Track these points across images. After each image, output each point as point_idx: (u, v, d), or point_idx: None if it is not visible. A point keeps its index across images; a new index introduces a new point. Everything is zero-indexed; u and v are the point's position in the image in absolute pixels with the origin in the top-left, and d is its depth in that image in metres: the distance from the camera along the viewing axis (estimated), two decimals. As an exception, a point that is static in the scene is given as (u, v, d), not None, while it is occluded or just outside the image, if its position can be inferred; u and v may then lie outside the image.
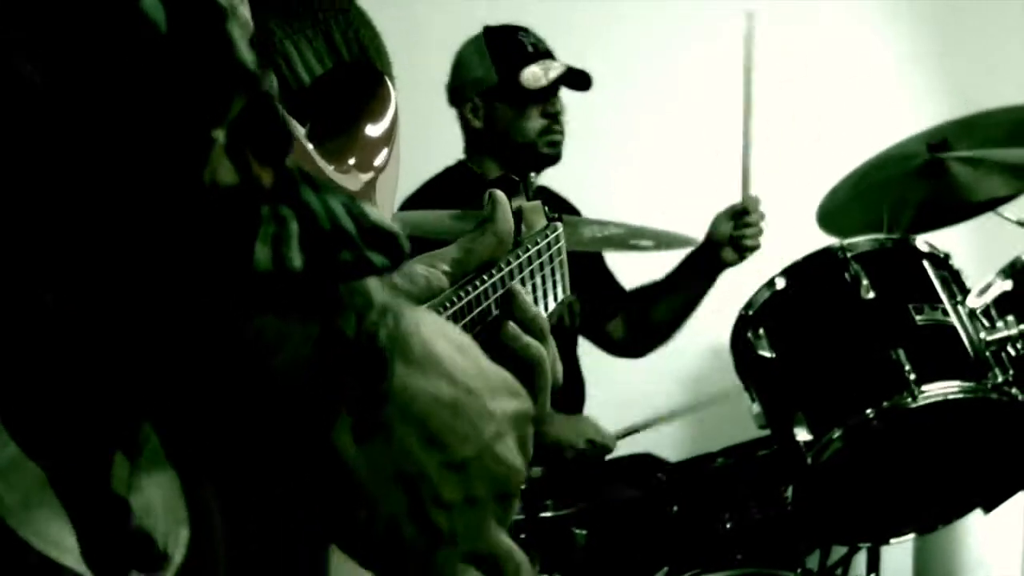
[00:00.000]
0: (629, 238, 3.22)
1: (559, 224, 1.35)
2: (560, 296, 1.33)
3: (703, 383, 4.12)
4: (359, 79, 1.11)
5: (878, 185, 3.46)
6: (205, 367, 0.71)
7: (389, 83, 1.13)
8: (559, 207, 3.64)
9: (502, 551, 0.86)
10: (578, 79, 3.60)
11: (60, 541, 0.69)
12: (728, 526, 3.22)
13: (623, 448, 3.58)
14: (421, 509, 0.80)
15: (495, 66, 3.58)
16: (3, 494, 0.68)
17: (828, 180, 3.55)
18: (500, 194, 1.13)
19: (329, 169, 1.02)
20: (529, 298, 1.08)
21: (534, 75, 3.54)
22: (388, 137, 1.12)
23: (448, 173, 3.69)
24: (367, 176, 1.09)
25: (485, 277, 1.11)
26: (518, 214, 1.29)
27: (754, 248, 3.54)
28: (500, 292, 1.12)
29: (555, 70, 3.56)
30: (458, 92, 3.69)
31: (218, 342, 0.70)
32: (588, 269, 3.79)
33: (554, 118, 3.61)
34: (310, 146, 1.00)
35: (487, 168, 3.65)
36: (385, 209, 1.12)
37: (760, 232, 3.55)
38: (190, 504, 0.76)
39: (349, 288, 0.76)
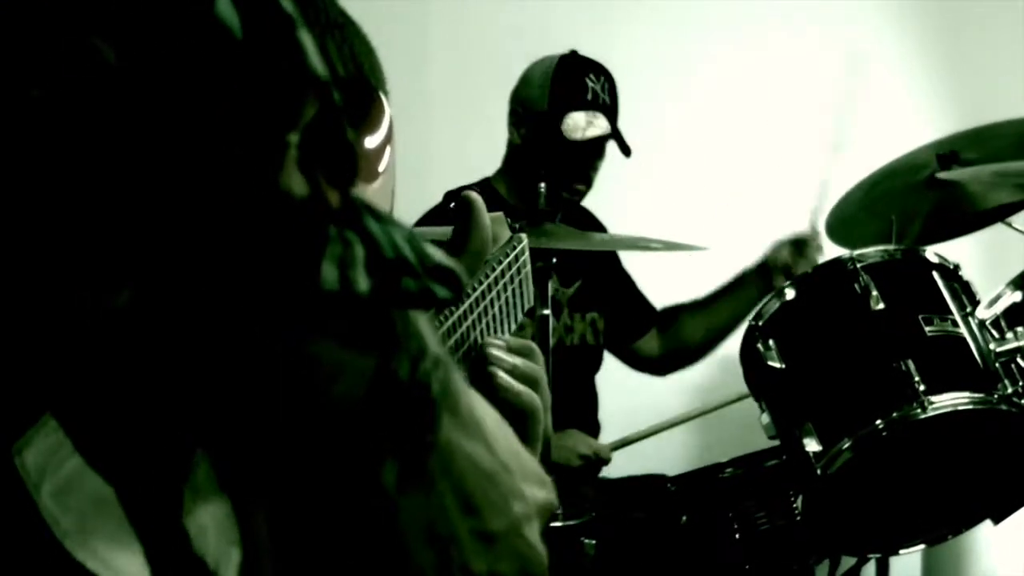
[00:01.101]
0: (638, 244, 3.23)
1: (523, 236, 1.35)
2: (526, 307, 1.33)
3: (713, 393, 4.12)
4: (355, 95, 1.12)
5: (887, 196, 3.46)
6: (266, 388, 0.71)
7: (383, 98, 1.13)
8: (588, 226, 3.64)
9: None
10: (617, 142, 3.54)
11: (116, 566, 0.70)
12: (737, 536, 3.22)
13: (634, 468, 3.58)
14: (449, 573, 0.79)
15: (550, 96, 3.52)
16: (59, 516, 0.68)
17: (838, 191, 3.55)
18: (476, 200, 1.12)
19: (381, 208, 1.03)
20: (506, 355, 1.07)
21: (574, 125, 3.47)
22: (384, 147, 1.12)
23: (469, 189, 3.64)
24: (373, 185, 1.10)
25: (483, 277, 1.12)
26: None
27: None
28: (473, 316, 1.12)
29: (595, 129, 3.48)
30: (513, 101, 3.66)
31: (280, 363, 0.71)
32: (616, 287, 3.79)
33: (584, 170, 3.55)
34: None
35: (511, 189, 3.63)
36: (386, 208, 1.13)
37: (816, 264, 3.49)
38: (241, 528, 0.76)
39: (406, 331, 0.76)
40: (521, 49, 3.66)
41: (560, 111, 3.49)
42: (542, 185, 3.08)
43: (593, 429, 3.68)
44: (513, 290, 1.26)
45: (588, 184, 3.56)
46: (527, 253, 1.34)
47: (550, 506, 0.89)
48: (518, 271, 1.29)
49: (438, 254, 0.75)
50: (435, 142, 4.18)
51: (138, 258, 0.66)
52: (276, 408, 0.71)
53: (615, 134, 3.51)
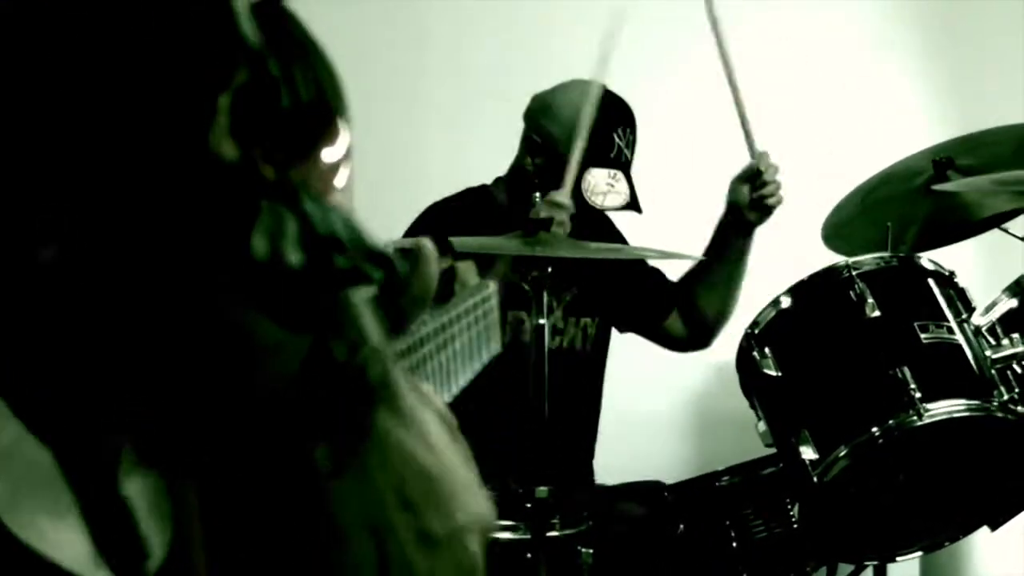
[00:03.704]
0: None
1: (491, 283, 1.36)
2: (494, 350, 1.34)
3: (709, 400, 4.12)
4: (312, 116, 1.13)
5: (883, 202, 3.46)
6: (194, 355, 0.71)
7: (342, 122, 1.14)
8: (596, 224, 3.60)
9: None
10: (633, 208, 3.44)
11: (51, 537, 0.70)
12: (734, 544, 3.22)
13: (630, 475, 3.57)
14: (387, 570, 0.80)
15: None
16: None
17: (833, 197, 3.55)
18: (429, 250, 1.11)
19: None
20: (429, 390, 1.07)
21: (595, 187, 3.34)
22: (342, 164, 1.13)
23: (467, 195, 3.60)
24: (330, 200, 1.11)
25: (424, 324, 1.12)
26: (451, 272, 1.30)
27: (777, 204, 3.42)
28: (424, 351, 1.13)
29: (614, 198, 3.38)
30: (530, 127, 3.53)
31: (210, 330, 0.71)
32: (633, 271, 3.71)
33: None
34: None
35: (511, 202, 3.57)
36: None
37: (779, 186, 3.42)
38: (172, 503, 0.76)
39: (346, 318, 0.77)
40: (521, 54, 3.65)
41: (583, 165, 3.30)
42: (537, 195, 3.07)
43: (587, 436, 3.66)
44: (476, 333, 1.27)
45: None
46: (494, 300, 1.35)
47: (489, 524, 0.89)
48: (483, 315, 1.30)
49: (374, 239, 0.76)
50: (431, 149, 4.18)
51: (65, 212, 0.66)
52: (205, 378, 0.72)
53: (632, 203, 3.42)
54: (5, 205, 0.67)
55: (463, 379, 1.26)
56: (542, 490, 2.95)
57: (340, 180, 1.12)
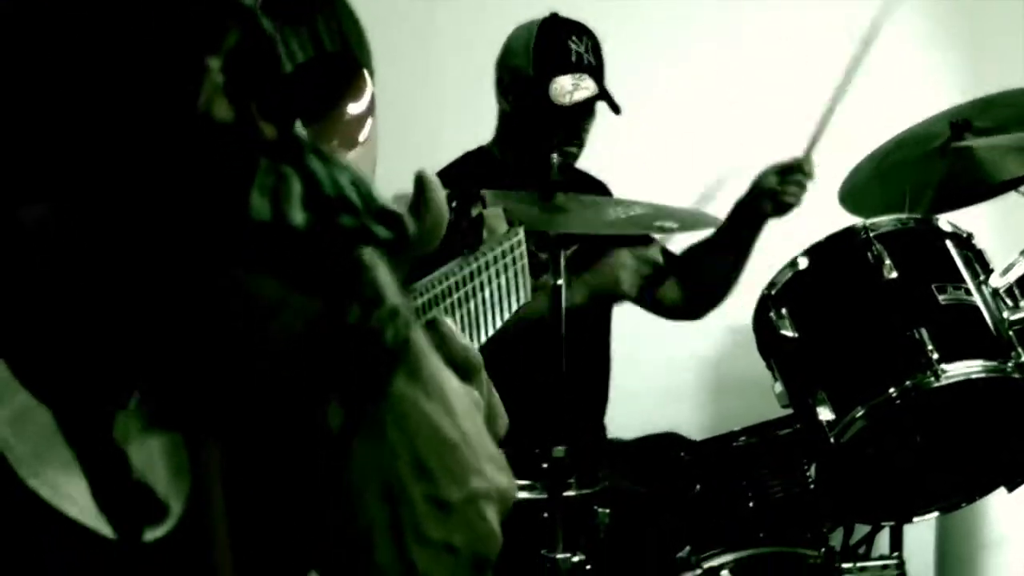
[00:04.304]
0: (654, 219, 3.22)
1: (520, 230, 1.35)
2: (521, 300, 1.34)
3: (725, 363, 4.13)
4: (339, 68, 1.12)
5: (901, 165, 3.46)
6: (201, 315, 0.71)
7: (367, 73, 1.14)
8: (586, 186, 3.64)
9: None
10: (607, 102, 3.53)
11: (67, 492, 0.70)
12: (751, 505, 3.23)
13: (648, 427, 3.59)
14: (400, 534, 0.79)
15: (534, 62, 3.51)
16: (14, 444, 0.69)
17: (850, 160, 3.55)
18: (431, 177, 1.12)
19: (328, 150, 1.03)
20: (456, 330, 1.05)
21: (561, 89, 3.47)
22: (365, 117, 1.13)
23: (467, 158, 3.66)
24: (352, 153, 1.09)
25: (436, 282, 1.12)
26: (479, 220, 1.30)
27: (792, 205, 3.51)
28: (452, 300, 1.12)
29: (582, 92, 3.48)
30: (499, 69, 3.65)
31: (212, 292, 0.71)
32: (630, 237, 3.75)
33: (575, 132, 3.54)
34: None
35: (506, 155, 3.63)
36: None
37: (803, 192, 3.51)
38: (191, 461, 0.76)
39: (360, 278, 0.77)
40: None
41: (546, 76, 3.49)
42: (555, 156, 3.08)
43: (599, 396, 3.67)
44: (505, 281, 1.27)
45: (580, 146, 3.56)
46: (523, 246, 1.34)
47: (510, 495, 0.87)
48: (513, 261, 1.30)
49: (384, 198, 0.76)
50: (446, 119, 4.18)
51: (52, 172, 0.66)
52: (207, 336, 0.72)
53: (603, 94, 3.51)
54: None
55: (492, 327, 1.25)
56: (559, 450, 2.96)
57: (364, 133, 1.12)
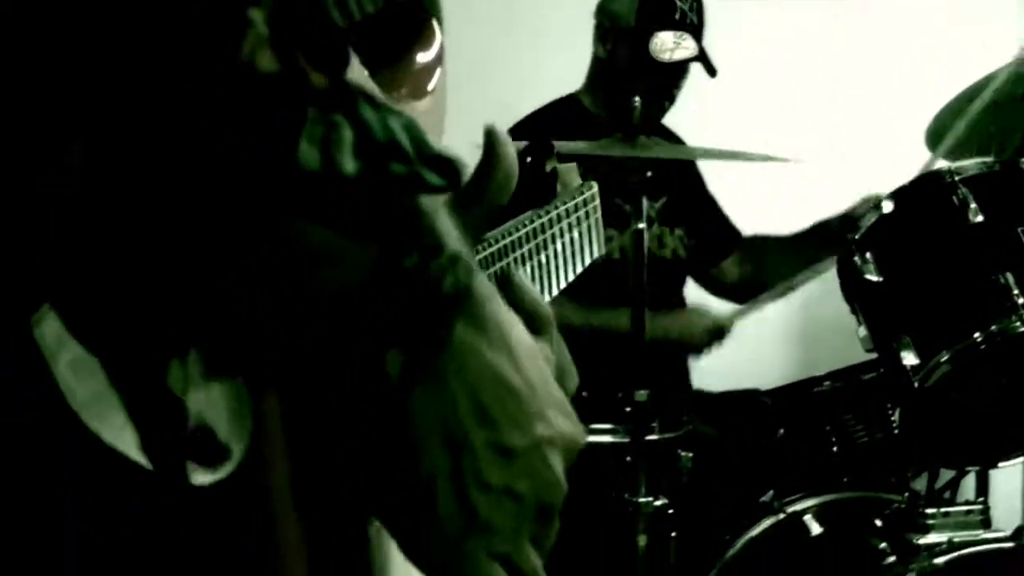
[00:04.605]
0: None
1: (594, 184, 1.35)
2: (594, 255, 1.33)
3: (810, 305, 4.11)
4: (408, 17, 1.12)
5: (988, 108, 3.41)
6: (253, 266, 0.72)
7: (436, 23, 1.14)
8: (661, 136, 3.63)
9: (531, 567, 0.84)
10: (704, 64, 3.51)
11: (125, 435, 0.72)
12: (835, 449, 3.23)
13: (733, 371, 3.58)
14: (461, 482, 0.79)
15: (638, 14, 3.49)
16: (75, 388, 0.70)
17: (936, 102, 3.51)
18: (499, 131, 1.12)
19: (386, 96, 1.02)
20: (528, 282, 1.04)
21: (662, 45, 3.44)
22: (434, 67, 1.13)
23: (555, 106, 3.66)
24: (421, 103, 1.10)
25: (507, 233, 1.12)
26: (553, 174, 1.30)
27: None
28: (522, 251, 1.12)
29: (683, 52, 3.46)
30: (599, 14, 3.63)
31: (266, 241, 0.72)
32: (700, 208, 3.78)
33: (668, 88, 3.53)
34: (367, 75, 1.02)
35: (596, 103, 3.62)
36: (435, 131, 1.12)
37: None
38: (253, 408, 0.77)
39: (418, 225, 0.77)
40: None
41: (648, 30, 3.46)
42: (637, 99, 3.07)
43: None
44: (578, 234, 1.27)
45: (672, 101, 3.55)
46: (597, 200, 1.34)
47: (575, 442, 0.87)
48: (585, 215, 1.30)
49: (438, 144, 0.76)
50: (523, 63, 4.17)
51: (86, 116, 0.67)
52: (258, 287, 0.73)
53: (702, 56, 3.49)
54: (30, 107, 0.68)
55: (563, 281, 1.26)
56: (641, 394, 2.96)
57: (432, 83, 1.13)
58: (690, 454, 3.13)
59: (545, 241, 1.20)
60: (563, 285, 1.26)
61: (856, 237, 3.06)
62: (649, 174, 2.98)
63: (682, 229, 3.68)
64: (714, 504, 3.22)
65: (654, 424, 3.09)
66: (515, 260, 1.12)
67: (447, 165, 0.76)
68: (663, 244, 3.64)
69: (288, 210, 0.72)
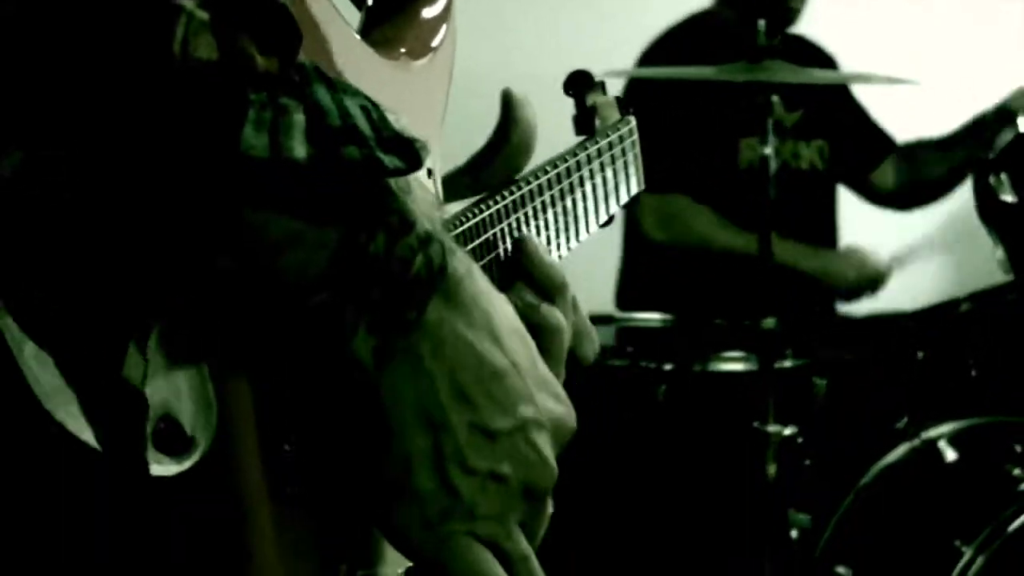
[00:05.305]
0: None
1: (632, 118, 1.32)
2: (633, 191, 1.30)
3: (947, 229, 4.02)
4: None
5: None
6: (202, 256, 0.72)
7: None
8: (812, 57, 3.56)
9: (520, 552, 0.82)
10: None
11: (77, 418, 0.71)
12: (973, 373, 3.15)
13: (872, 301, 3.53)
14: (442, 463, 0.78)
15: None
16: (39, 376, 0.70)
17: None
18: (518, 94, 1.08)
19: (376, 57, 1.01)
20: (542, 247, 1.01)
21: None
22: (440, 23, 1.10)
23: (692, 21, 3.62)
24: (420, 61, 1.08)
25: (541, 172, 1.09)
26: (592, 109, 1.27)
27: None
28: (555, 191, 1.10)
29: None
30: None
31: (215, 231, 0.71)
32: (845, 115, 3.71)
33: (790, 10, 3.49)
34: (356, 36, 0.99)
35: (730, 16, 3.56)
36: (439, 88, 1.10)
37: None
38: (217, 394, 0.76)
39: (384, 206, 0.76)
40: None
41: None
42: (761, 22, 3.01)
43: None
44: (614, 170, 1.24)
45: (793, 20, 3.51)
46: (635, 135, 1.31)
47: (566, 425, 0.86)
48: (623, 151, 1.27)
49: (400, 125, 0.75)
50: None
51: (24, 121, 0.67)
52: (213, 276, 0.72)
53: None
54: None
55: (603, 217, 1.23)
56: (769, 321, 2.92)
57: (437, 39, 1.10)
58: (824, 380, 3.09)
59: (581, 178, 1.17)
60: (601, 222, 1.23)
61: (991, 157, 2.97)
62: (775, 97, 2.93)
63: (821, 140, 3.62)
64: (846, 432, 3.17)
65: (787, 351, 3.06)
66: (551, 199, 1.10)
67: (407, 147, 0.75)
68: (798, 156, 3.58)
69: (236, 200, 0.71)
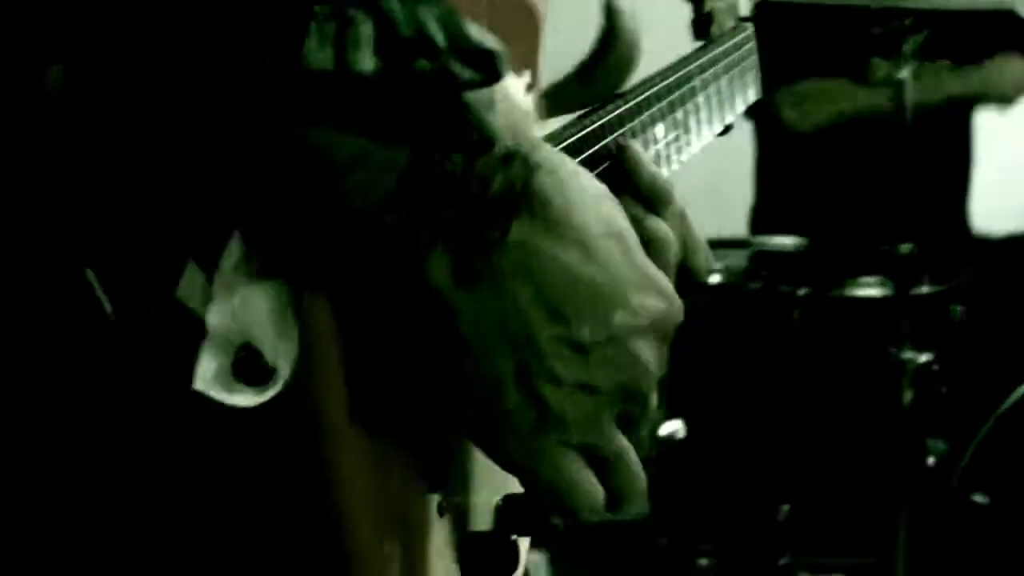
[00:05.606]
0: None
1: (748, 25, 1.28)
2: (749, 100, 1.26)
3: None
4: None
5: None
6: (266, 176, 0.69)
7: None
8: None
9: (614, 450, 0.81)
10: None
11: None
12: None
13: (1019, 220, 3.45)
14: (529, 379, 0.76)
15: None
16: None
17: None
18: (620, 5, 1.04)
19: None
20: (645, 157, 0.98)
21: None
22: None
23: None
24: None
25: (651, 83, 1.06)
26: (708, 16, 1.23)
27: None
28: (668, 100, 1.07)
29: None
30: None
31: (277, 150, 0.68)
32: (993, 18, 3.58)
33: None
34: None
35: None
36: (532, 16, 1.04)
37: None
38: (303, 317, 0.73)
39: (461, 121, 0.72)
40: None
41: None
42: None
43: (957, 192, 3.53)
44: (729, 79, 1.21)
45: None
46: (751, 43, 1.28)
47: (672, 319, 0.83)
48: (739, 59, 1.24)
49: (479, 35, 0.71)
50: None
51: (66, 31, 0.65)
52: (282, 195, 0.70)
53: None
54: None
55: (717, 127, 1.20)
56: (905, 246, 2.87)
57: None
58: (960, 307, 3.03)
59: (693, 89, 1.15)
60: (715, 133, 1.21)
61: None
62: (908, 21, 2.86)
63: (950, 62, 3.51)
64: (984, 360, 3.12)
65: (924, 276, 3.00)
66: (662, 111, 1.08)
67: (486, 58, 0.71)
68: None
69: (299, 116, 0.68)
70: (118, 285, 0.69)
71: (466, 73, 0.70)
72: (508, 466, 0.80)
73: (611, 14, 1.06)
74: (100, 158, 0.68)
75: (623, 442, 0.81)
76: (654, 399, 0.83)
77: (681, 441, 3.13)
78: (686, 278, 0.99)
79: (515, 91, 0.98)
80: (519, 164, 0.75)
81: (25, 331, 0.69)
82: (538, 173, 0.76)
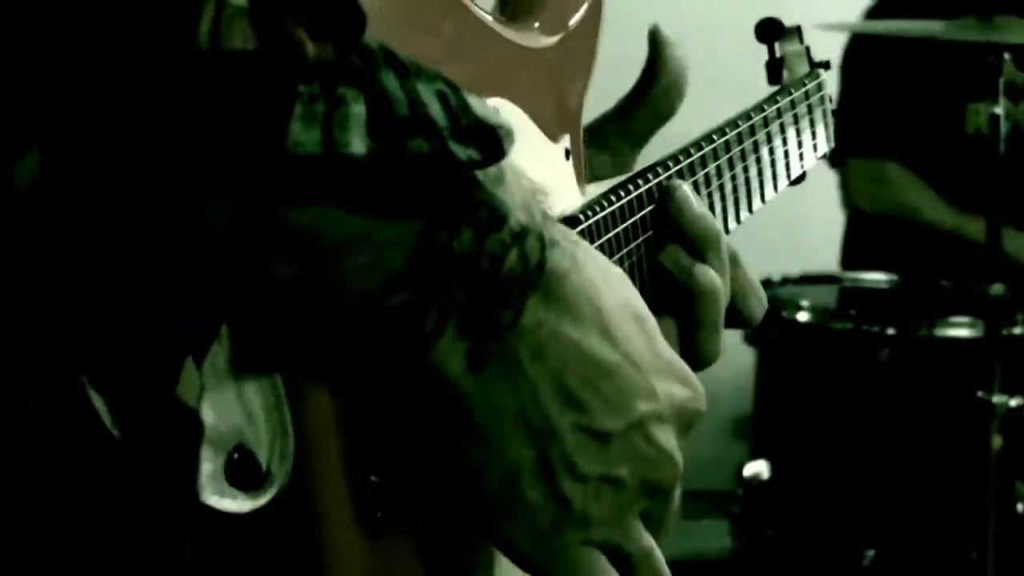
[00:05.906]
0: None
1: (822, 72, 1.23)
2: (822, 150, 1.21)
3: None
4: None
5: None
6: (253, 264, 0.66)
7: None
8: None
9: (639, 549, 0.77)
10: None
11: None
12: None
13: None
14: (550, 472, 0.73)
15: None
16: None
17: None
18: (666, 33, 1.01)
19: (490, 20, 0.90)
20: (694, 198, 0.94)
21: None
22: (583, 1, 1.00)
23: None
24: (551, 39, 0.96)
25: (721, 132, 1.02)
26: (780, 61, 1.19)
27: None
28: (739, 149, 1.03)
29: None
30: None
31: (263, 236, 0.65)
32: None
33: None
34: (472, 7, 0.88)
35: None
36: (576, 75, 0.99)
37: None
38: (292, 412, 0.70)
39: (467, 197, 0.69)
40: None
41: None
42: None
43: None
44: (798, 128, 1.17)
45: None
46: (825, 90, 1.23)
47: (695, 409, 0.79)
48: (809, 107, 1.19)
49: (483, 111, 0.68)
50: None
51: (41, 120, 0.63)
52: (267, 282, 0.67)
53: None
54: None
55: (785, 179, 1.16)
56: (998, 286, 2.81)
57: (576, 18, 0.98)
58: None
59: (756, 143, 1.10)
60: (785, 184, 1.16)
61: None
62: (1007, 56, 2.79)
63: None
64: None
65: (1016, 317, 2.94)
66: (731, 161, 1.04)
67: (488, 135, 0.68)
68: None
69: (284, 200, 0.65)
70: (114, 392, 0.67)
71: (466, 153, 0.67)
72: (523, 563, 0.76)
73: (657, 44, 1.03)
74: (83, 255, 0.66)
75: (648, 540, 0.77)
76: (677, 494, 0.79)
77: (766, 482, 3.09)
78: (741, 324, 0.97)
79: (555, 159, 0.95)
80: (533, 240, 0.71)
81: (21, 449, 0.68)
82: (554, 250, 0.73)
